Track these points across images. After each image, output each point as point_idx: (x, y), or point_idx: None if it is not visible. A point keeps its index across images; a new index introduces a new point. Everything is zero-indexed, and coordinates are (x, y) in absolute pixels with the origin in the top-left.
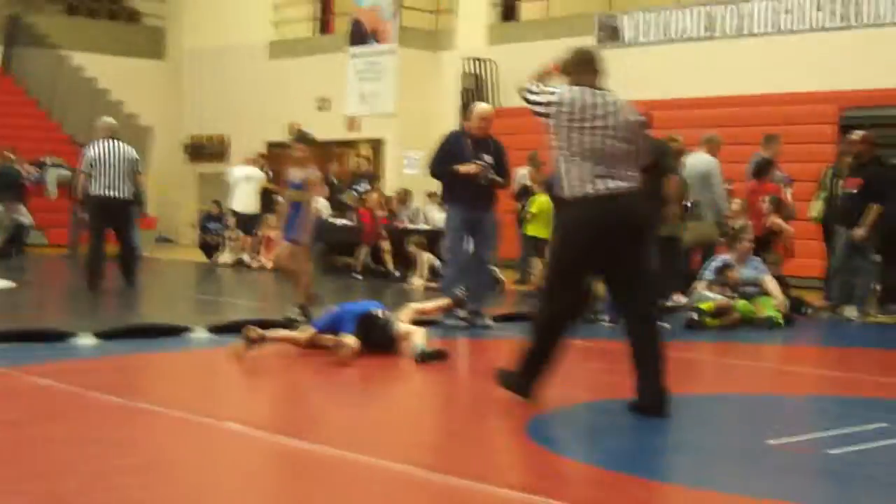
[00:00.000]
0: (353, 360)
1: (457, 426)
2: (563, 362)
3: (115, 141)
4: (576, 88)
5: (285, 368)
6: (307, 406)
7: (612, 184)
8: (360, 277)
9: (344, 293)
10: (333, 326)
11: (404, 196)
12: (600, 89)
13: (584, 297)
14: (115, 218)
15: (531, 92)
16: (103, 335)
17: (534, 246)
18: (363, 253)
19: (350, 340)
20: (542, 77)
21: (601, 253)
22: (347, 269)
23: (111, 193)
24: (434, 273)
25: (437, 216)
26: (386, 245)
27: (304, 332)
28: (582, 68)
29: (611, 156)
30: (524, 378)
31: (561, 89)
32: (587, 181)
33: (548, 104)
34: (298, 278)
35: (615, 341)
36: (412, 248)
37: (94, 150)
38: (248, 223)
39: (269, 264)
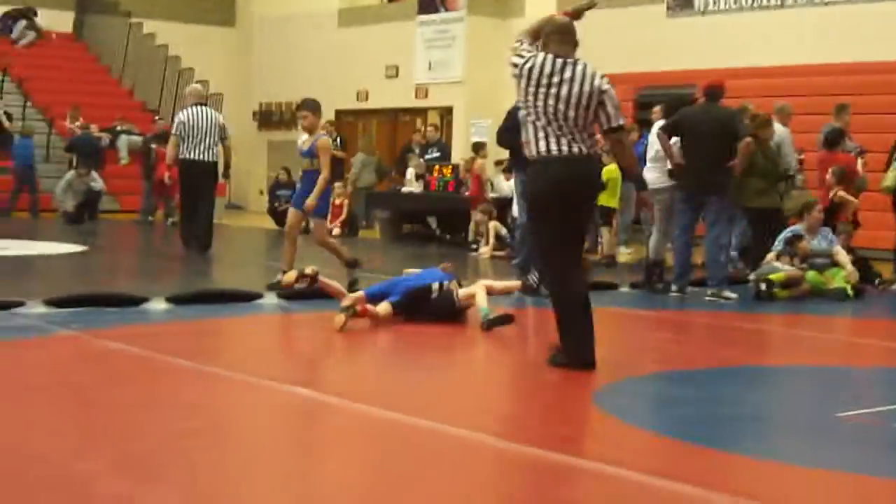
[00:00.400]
0: (384, 322)
1: (525, 394)
2: (633, 332)
3: (204, 107)
4: (540, 56)
5: (353, 335)
6: (373, 372)
7: (567, 147)
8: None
9: (411, 261)
10: (382, 294)
11: (472, 164)
12: (566, 58)
13: (580, 251)
14: (200, 181)
15: (514, 52)
16: (174, 300)
17: (603, 215)
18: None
19: (381, 308)
20: (532, 33)
21: (560, 209)
22: (414, 237)
23: (199, 157)
24: (500, 241)
25: (505, 185)
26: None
27: (353, 295)
28: (552, 37)
29: (565, 121)
30: (573, 351)
31: (528, 55)
32: (544, 143)
33: (514, 66)
34: (290, 249)
35: (685, 311)
36: (479, 217)
37: (184, 115)
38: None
39: (336, 230)
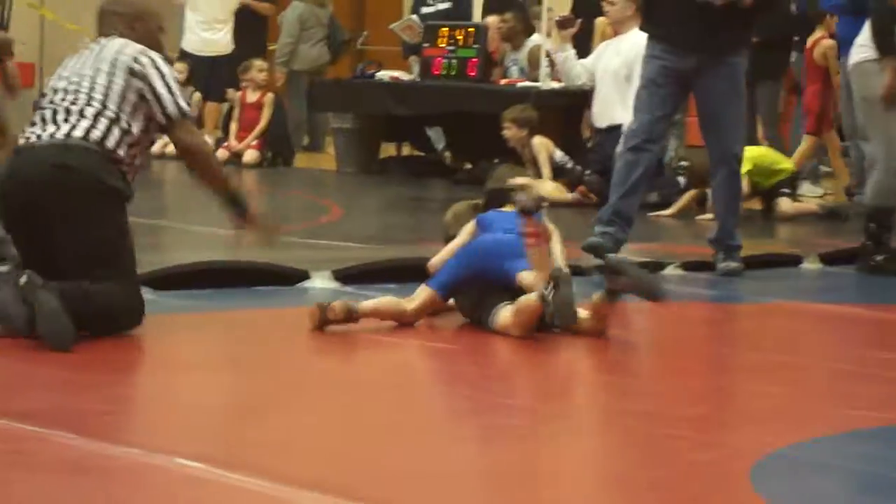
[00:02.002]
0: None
1: (651, 460)
2: (829, 348)
3: None
4: None
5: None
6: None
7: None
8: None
9: (397, 216)
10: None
11: (515, 26)
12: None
13: None
14: None
15: None
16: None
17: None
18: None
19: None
20: None
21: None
22: (402, 167)
23: None
24: (558, 171)
25: (576, 64)
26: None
27: (413, 299)
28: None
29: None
30: None
31: None
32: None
33: None
34: None
35: None
36: (510, 130)
37: None
38: (210, 76)
39: (251, 154)
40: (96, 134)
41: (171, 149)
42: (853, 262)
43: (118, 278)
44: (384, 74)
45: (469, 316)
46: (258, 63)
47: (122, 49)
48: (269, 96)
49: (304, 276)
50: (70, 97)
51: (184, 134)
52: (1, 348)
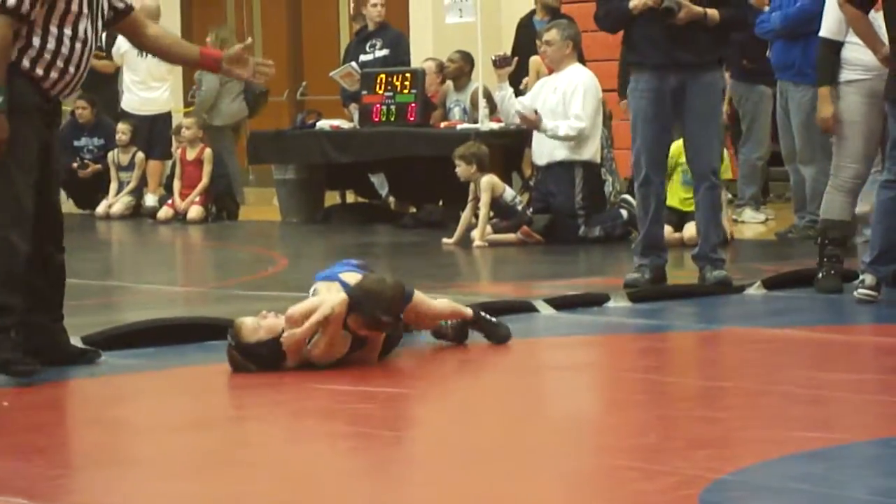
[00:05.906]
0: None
1: (601, 492)
2: (773, 372)
3: None
4: None
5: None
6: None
7: None
8: None
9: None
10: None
11: (462, 67)
12: None
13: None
14: None
15: None
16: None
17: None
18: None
19: None
20: None
21: None
22: (348, 216)
23: None
24: (507, 212)
25: (515, 103)
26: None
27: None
28: None
29: None
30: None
31: None
32: None
33: None
34: None
35: (887, 327)
36: (462, 169)
37: None
38: (151, 135)
39: (195, 211)
40: None
41: (115, 209)
42: (795, 286)
43: None
44: (324, 124)
45: None
46: (185, 121)
47: None
48: (208, 152)
49: None
50: None
51: None
52: None
